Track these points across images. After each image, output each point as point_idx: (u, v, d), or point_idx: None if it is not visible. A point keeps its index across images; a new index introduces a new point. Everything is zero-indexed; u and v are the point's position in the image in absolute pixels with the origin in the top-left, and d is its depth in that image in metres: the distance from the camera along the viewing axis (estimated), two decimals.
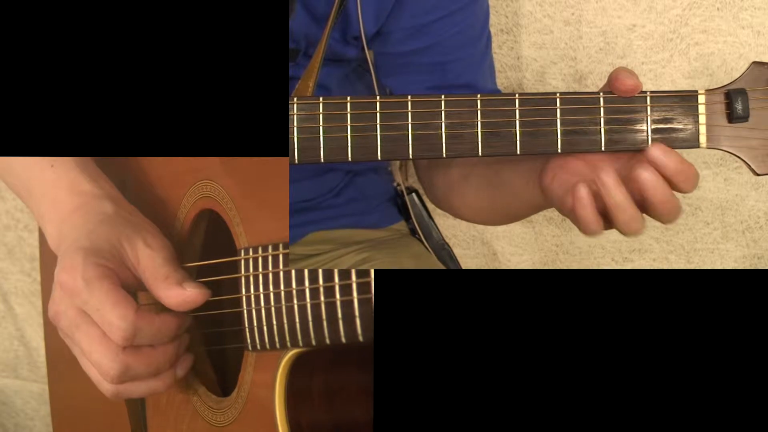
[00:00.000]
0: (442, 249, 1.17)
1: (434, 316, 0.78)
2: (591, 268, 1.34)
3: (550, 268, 1.36)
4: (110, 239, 0.89)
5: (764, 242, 1.29)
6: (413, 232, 1.18)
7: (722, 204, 1.28)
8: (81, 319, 0.87)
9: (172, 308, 0.89)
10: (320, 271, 0.82)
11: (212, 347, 0.97)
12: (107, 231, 0.90)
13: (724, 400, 0.76)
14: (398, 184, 1.20)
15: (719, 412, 0.76)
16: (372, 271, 0.78)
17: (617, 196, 0.85)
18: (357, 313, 0.78)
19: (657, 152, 0.86)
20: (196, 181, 0.93)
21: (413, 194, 1.18)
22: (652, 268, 1.33)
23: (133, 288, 0.90)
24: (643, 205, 0.86)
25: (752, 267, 1.30)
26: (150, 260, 0.89)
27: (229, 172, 0.90)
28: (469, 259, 1.38)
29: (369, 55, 1.04)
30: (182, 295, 0.88)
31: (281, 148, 0.84)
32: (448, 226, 1.36)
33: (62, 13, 0.83)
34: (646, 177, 0.85)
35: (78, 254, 0.87)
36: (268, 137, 0.84)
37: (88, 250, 0.88)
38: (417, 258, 1.12)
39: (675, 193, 0.86)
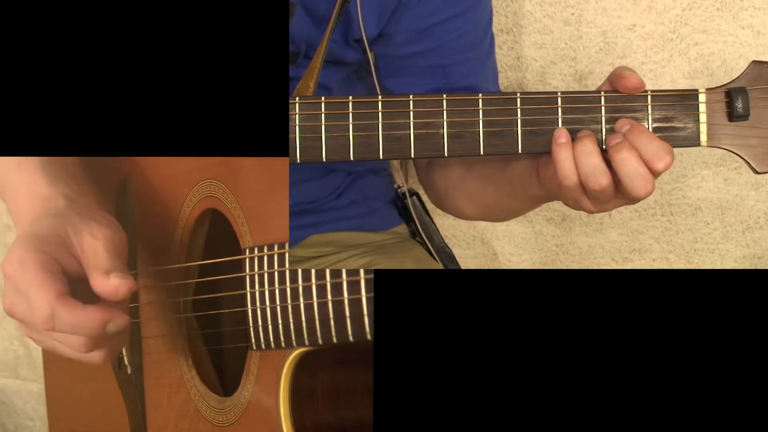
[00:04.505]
0: (443, 252, 1.17)
1: (434, 316, 0.78)
2: (591, 268, 1.34)
3: (550, 268, 1.36)
4: (55, 227, 0.88)
5: (764, 242, 1.29)
6: (414, 234, 1.18)
7: (722, 204, 1.28)
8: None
9: (103, 297, 0.87)
10: (327, 269, 0.82)
11: (214, 347, 0.97)
12: (53, 221, 0.89)
13: (725, 400, 0.76)
14: (399, 187, 1.19)
15: (719, 411, 0.76)
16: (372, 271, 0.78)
17: (588, 145, 0.88)
18: (365, 311, 0.78)
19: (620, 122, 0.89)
20: (199, 181, 0.94)
21: (414, 197, 1.18)
22: (652, 268, 1.33)
23: (77, 276, 0.88)
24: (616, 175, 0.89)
25: (752, 267, 1.30)
26: (92, 249, 0.88)
27: (233, 171, 0.90)
28: (469, 259, 1.38)
29: (370, 58, 1.04)
30: (106, 284, 0.87)
31: (281, 148, 0.84)
32: (448, 226, 1.36)
33: (64, 15, 0.83)
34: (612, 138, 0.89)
35: (18, 242, 0.87)
36: (268, 137, 0.84)
37: (29, 236, 0.87)
38: (419, 262, 1.12)
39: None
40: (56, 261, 0.87)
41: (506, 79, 1.28)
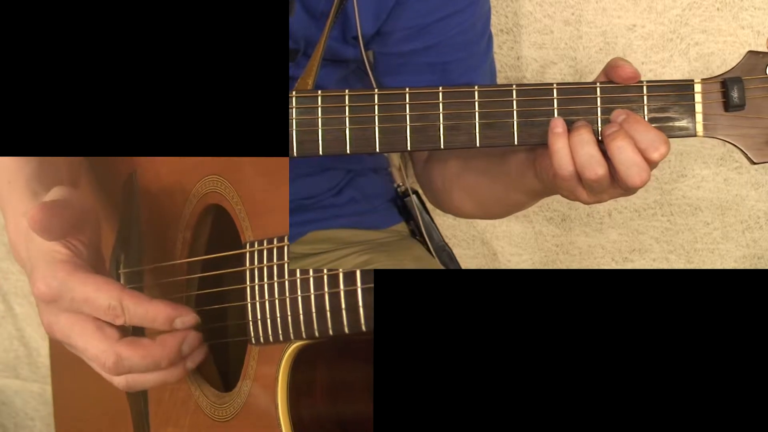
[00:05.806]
0: (443, 251, 1.17)
1: (434, 316, 0.78)
2: (591, 268, 1.34)
3: (550, 268, 1.36)
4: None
5: (764, 242, 1.29)
6: (413, 233, 1.18)
7: (722, 204, 1.28)
8: (72, 321, 0.87)
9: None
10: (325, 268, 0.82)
11: (215, 341, 0.98)
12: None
13: (724, 400, 0.76)
14: (398, 186, 1.20)
15: (719, 411, 0.76)
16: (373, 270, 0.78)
17: (585, 134, 0.88)
18: (361, 302, 0.78)
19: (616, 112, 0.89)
20: (203, 177, 0.94)
21: (414, 195, 1.18)
22: (652, 268, 1.33)
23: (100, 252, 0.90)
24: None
25: (752, 267, 1.30)
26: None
27: (236, 167, 0.90)
28: (469, 259, 1.38)
29: (366, 56, 1.04)
30: None
31: (281, 147, 0.85)
32: (448, 226, 1.36)
33: (65, 15, 0.83)
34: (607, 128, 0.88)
35: (39, 262, 0.87)
36: (267, 136, 0.84)
37: (46, 253, 0.87)
38: (418, 261, 1.12)
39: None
40: (81, 258, 0.87)
41: (506, 79, 1.28)
